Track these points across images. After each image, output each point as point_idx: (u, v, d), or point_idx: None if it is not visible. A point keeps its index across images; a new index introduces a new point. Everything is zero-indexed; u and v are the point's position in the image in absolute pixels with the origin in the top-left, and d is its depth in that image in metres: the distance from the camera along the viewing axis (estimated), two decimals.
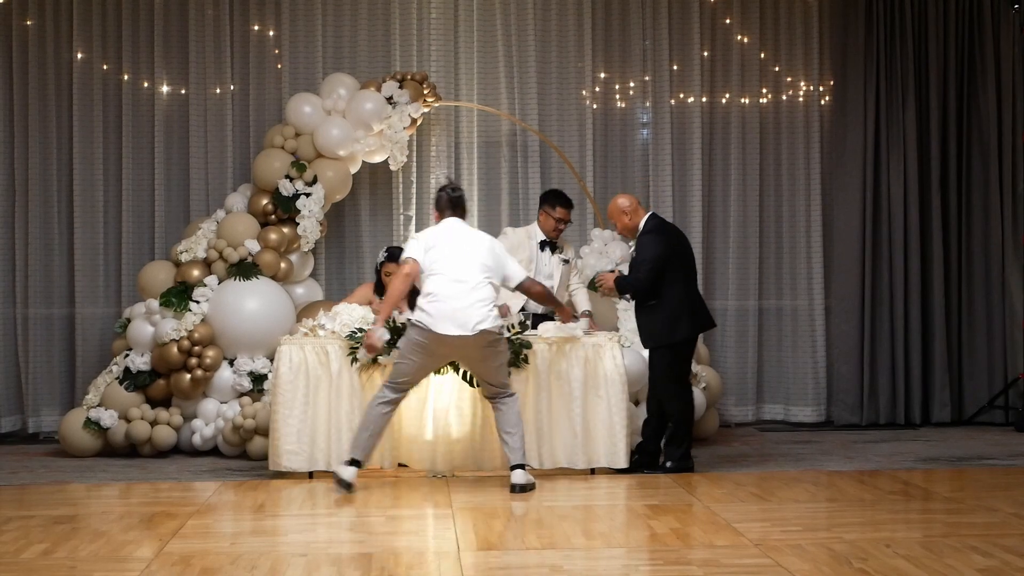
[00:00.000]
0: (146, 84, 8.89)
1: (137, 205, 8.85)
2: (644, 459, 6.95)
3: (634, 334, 7.30)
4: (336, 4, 9.02)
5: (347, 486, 6.26)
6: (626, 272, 7.19)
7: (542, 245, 7.67)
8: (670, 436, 6.94)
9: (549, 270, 7.64)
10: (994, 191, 9.20)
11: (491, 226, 8.54)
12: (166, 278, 8.03)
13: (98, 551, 5.02)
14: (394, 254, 7.48)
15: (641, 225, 7.00)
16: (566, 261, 7.72)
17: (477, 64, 9.09)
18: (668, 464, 6.90)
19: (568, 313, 7.00)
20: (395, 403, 6.43)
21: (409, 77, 8.56)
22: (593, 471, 6.85)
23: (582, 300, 7.72)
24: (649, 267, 6.82)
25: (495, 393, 6.48)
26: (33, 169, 8.73)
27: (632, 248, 7.19)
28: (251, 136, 8.90)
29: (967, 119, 9.27)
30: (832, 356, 9.22)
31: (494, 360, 6.41)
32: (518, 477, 6.35)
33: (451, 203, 6.56)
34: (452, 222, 6.54)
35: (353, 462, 6.33)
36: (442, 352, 6.37)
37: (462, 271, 6.32)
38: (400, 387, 6.41)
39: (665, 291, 6.85)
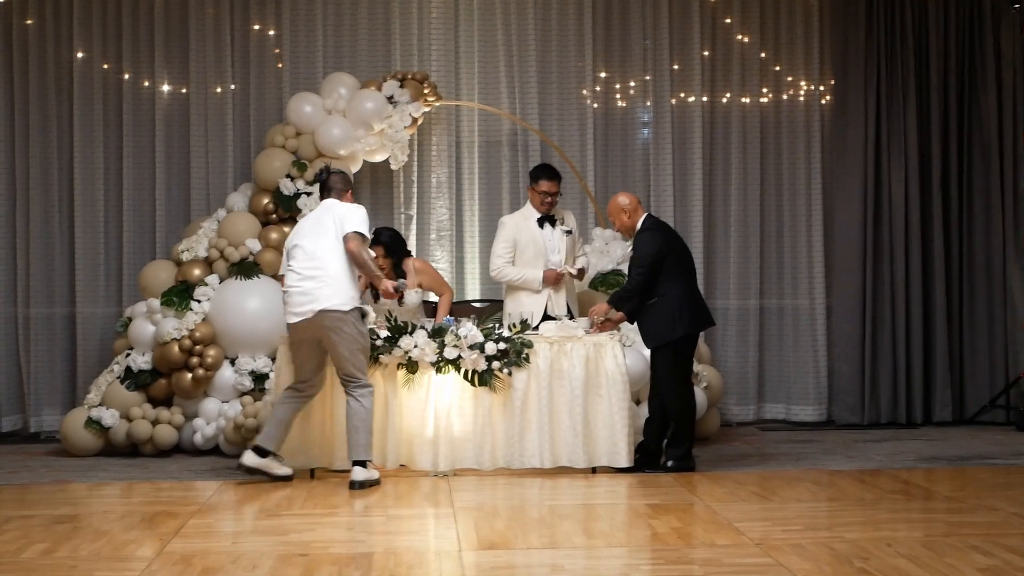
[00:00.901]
0: (147, 83, 8.89)
1: (138, 204, 8.85)
2: (645, 458, 6.94)
3: (635, 333, 7.30)
4: (336, 3, 9.01)
5: (249, 471, 6.40)
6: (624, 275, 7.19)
7: (540, 222, 7.57)
8: (671, 435, 6.94)
9: (554, 244, 7.51)
10: (995, 190, 9.19)
11: (492, 225, 8.53)
12: (167, 277, 8.03)
13: (99, 550, 5.02)
14: (379, 237, 7.38)
15: (638, 225, 7.01)
16: (568, 232, 7.59)
17: (478, 63, 9.09)
18: (669, 463, 6.90)
19: (389, 291, 6.55)
20: (300, 399, 6.54)
21: (410, 76, 8.56)
22: (594, 470, 6.84)
23: (578, 261, 7.60)
24: (646, 264, 6.83)
25: (345, 382, 6.47)
26: (34, 168, 8.73)
27: (630, 247, 7.19)
28: (252, 135, 8.90)
29: (968, 118, 9.26)
30: (833, 355, 9.21)
31: (339, 345, 6.37)
32: (359, 474, 6.36)
33: (321, 187, 6.71)
34: (323, 204, 6.62)
35: (258, 450, 6.46)
36: (299, 340, 6.44)
37: (303, 257, 6.43)
38: (297, 388, 6.51)
39: (665, 290, 6.85)
